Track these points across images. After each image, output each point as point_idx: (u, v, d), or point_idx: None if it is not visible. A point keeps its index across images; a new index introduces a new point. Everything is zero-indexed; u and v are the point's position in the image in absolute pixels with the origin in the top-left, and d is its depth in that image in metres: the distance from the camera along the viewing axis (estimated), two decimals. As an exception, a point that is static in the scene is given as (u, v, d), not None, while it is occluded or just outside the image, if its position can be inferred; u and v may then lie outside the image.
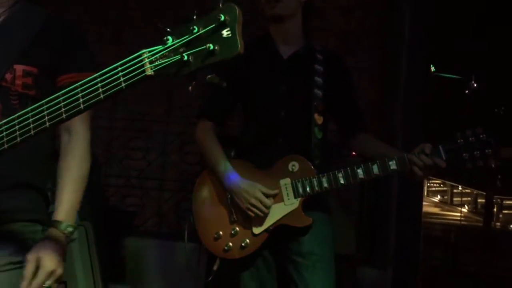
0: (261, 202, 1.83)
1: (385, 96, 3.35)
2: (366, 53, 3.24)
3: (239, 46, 0.92)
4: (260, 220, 1.86)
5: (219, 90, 1.95)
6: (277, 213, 1.85)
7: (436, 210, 12.91)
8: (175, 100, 3.30)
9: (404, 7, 3.20)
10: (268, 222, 1.85)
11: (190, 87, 0.97)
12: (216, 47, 0.91)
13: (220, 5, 0.92)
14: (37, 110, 1.03)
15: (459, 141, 1.72)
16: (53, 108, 1.02)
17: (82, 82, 0.99)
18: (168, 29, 0.94)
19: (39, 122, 1.03)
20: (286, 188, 1.86)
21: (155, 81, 0.97)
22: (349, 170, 1.80)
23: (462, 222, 9.78)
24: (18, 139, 1.05)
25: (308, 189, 1.84)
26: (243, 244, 1.86)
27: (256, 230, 1.86)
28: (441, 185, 13.96)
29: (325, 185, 1.82)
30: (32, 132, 1.04)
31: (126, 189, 3.27)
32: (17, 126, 1.05)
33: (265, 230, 1.86)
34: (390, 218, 3.10)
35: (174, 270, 3.02)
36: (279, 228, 1.85)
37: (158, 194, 3.28)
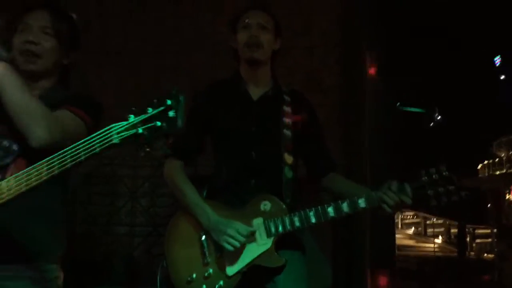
0: (238, 232, 1.81)
1: (350, 131, 3.42)
2: (330, 89, 3.33)
3: (179, 124, 1.28)
4: (233, 261, 1.83)
5: (187, 129, 1.97)
6: (250, 253, 1.83)
7: (411, 242, 13.01)
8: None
9: (365, 42, 3.33)
10: (242, 263, 1.83)
11: (142, 152, 1.32)
12: (163, 124, 1.28)
13: (172, 92, 1.28)
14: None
15: (423, 178, 1.79)
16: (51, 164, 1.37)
17: (70, 147, 1.36)
18: (133, 108, 1.30)
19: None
20: (259, 227, 1.85)
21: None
22: (320, 209, 1.82)
23: (437, 254, 9.87)
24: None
25: (280, 228, 1.83)
26: (217, 287, 1.82)
27: (230, 272, 1.83)
28: (415, 217, 14.15)
29: (297, 224, 1.83)
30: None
31: (95, 237, 3.19)
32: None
33: (239, 272, 1.83)
34: (365, 251, 3.11)
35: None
36: (253, 268, 1.83)
37: (128, 239, 3.21)
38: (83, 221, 3.22)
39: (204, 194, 2.00)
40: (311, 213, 1.82)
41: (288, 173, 1.97)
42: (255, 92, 2.04)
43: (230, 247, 1.81)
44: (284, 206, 1.87)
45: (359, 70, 3.50)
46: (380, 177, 3.25)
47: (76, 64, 1.80)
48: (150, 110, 1.28)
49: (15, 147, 1.54)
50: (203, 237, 1.88)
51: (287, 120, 2.02)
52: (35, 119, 1.46)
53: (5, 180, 1.39)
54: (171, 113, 1.27)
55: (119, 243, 3.21)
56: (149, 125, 1.27)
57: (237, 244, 1.81)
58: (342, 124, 3.35)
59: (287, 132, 2.00)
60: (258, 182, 1.94)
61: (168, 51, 3.36)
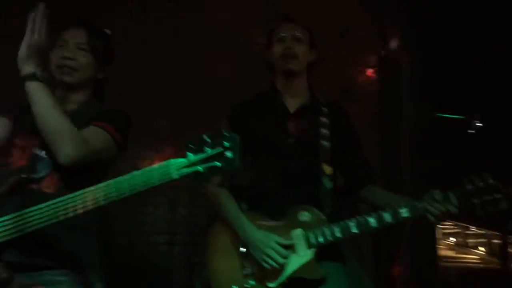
0: (276, 252, 1.82)
1: (388, 140, 3.37)
2: (367, 98, 3.30)
3: (237, 164, 1.35)
4: (275, 273, 1.83)
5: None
6: (291, 265, 1.83)
7: (450, 253, 12.62)
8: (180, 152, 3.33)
9: (401, 48, 3.29)
10: (283, 275, 1.83)
11: (201, 188, 1.36)
12: (222, 164, 1.35)
13: (225, 134, 1.36)
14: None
15: (468, 186, 1.76)
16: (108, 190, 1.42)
17: (128, 176, 1.40)
18: (191, 146, 1.37)
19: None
20: (298, 238, 1.85)
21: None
22: (361, 219, 1.81)
23: (479, 265, 9.53)
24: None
25: (320, 239, 1.83)
26: (257, 299, 1.83)
27: (271, 284, 1.83)
28: (455, 227, 13.73)
29: (338, 234, 1.82)
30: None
31: (137, 245, 3.25)
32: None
33: (280, 284, 1.83)
34: (406, 263, 3.05)
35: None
36: (294, 281, 1.83)
37: (169, 248, 3.26)
38: (125, 230, 3.29)
39: (243, 205, 2.02)
40: (352, 224, 1.82)
41: (327, 183, 1.97)
42: (292, 104, 2.06)
43: (268, 266, 1.82)
44: (323, 216, 1.87)
45: (396, 77, 3.46)
46: (420, 186, 3.19)
47: (110, 78, 1.86)
48: (208, 150, 1.35)
49: (51, 160, 1.60)
50: (243, 247, 1.90)
51: (324, 131, 2.03)
52: (62, 138, 1.54)
53: (61, 199, 1.43)
54: (229, 154, 1.34)
55: (160, 252, 3.27)
56: (209, 164, 1.35)
57: (275, 265, 1.82)
58: (380, 132, 3.32)
59: (325, 143, 2.01)
60: (297, 193, 1.95)
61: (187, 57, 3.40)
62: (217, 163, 1.34)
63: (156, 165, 1.38)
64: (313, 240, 1.84)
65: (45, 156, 1.62)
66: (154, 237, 3.29)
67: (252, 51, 3.19)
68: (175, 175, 1.36)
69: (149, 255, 3.28)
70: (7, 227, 1.46)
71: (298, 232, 1.86)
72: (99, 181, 1.68)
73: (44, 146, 1.59)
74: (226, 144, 1.35)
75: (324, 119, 2.04)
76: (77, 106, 1.76)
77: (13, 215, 1.46)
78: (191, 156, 1.36)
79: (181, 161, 1.36)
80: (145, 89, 3.35)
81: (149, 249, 3.28)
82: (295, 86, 2.07)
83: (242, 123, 2.04)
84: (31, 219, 1.44)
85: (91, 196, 1.41)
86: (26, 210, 1.45)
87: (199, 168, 1.34)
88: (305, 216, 1.88)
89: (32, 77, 1.54)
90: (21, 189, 1.57)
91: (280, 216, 1.91)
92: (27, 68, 1.54)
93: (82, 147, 1.56)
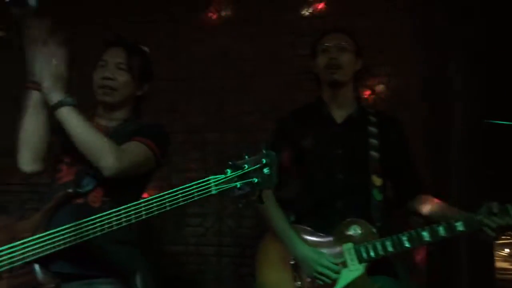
0: (328, 268, 1.80)
1: (438, 149, 3.27)
2: (416, 107, 3.22)
3: (274, 180, 1.41)
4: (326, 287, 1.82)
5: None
6: (342, 279, 1.81)
7: (505, 264, 12.06)
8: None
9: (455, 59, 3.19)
10: (335, 290, 1.81)
11: (240, 204, 1.43)
12: (259, 180, 1.40)
13: (264, 151, 1.42)
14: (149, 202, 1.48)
15: None
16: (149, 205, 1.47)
17: (169, 192, 1.44)
18: (230, 163, 1.42)
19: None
20: (349, 253, 1.83)
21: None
22: (414, 233, 1.77)
23: (537, 277, 9.04)
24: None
25: (372, 253, 1.80)
26: (308, 313, 1.82)
27: (322, 298, 1.82)
28: (509, 238, 13.10)
29: (390, 248, 1.78)
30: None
31: (185, 257, 3.30)
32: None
33: (331, 298, 1.81)
34: (461, 277, 2.93)
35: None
36: (346, 295, 1.81)
37: (217, 260, 3.28)
38: (175, 240, 3.34)
39: (291, 218, 2.01)
40: (405, 238, 1.78)
41: (377, 195, 1.93)
42: (339, 115, 2.04)
43: (322, 283, 1.81)
44: (374, 230, 1.84)
45: (444, 83, 3.35)
46: (471, 197, 3.07)
47: (149, 95, 1.93)
48: (246, 166, 1.41)
49: (95, 176, 1.68)
50: (293, 262, 1.89)
51: (373, 141, 1.99)
52: (103, 152, 1.61)
53: (105, 214, 1.50)
54: (266, 171, 1.40)
55: (208, 263, 3.30)
56: (247, 180, 1.40)
57: (328, 281, 1.80)
58: (428, 141, 3.22)
59: (374, 154, 1.98)
60: (346, 206, 1.92)
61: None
62: (255, 179, 1.39)
63: (196, 181, 1.42)
64: (364, 255, 1.81)
65: (89, 171, 1.69)
66: (202, 248, 3.32)
67: (297, 64, 3.20)
68: (213, 190, 1.40)
69: (198, 267, 3.31)
70: (57, 239, 1.53)
71: (348, 246, 1.83)
72: (139, 195, 1.79)
73: (87, 162, 1.65)
74: (264, 160, 1.40)
75: (372, 129, 2.01)
76: (118, 123, 1.84)
77: (63, 227, 1.53)
78: (229, 172, 1.40)
79: (220, 177, 1.40)
80: (196, 104, 3.42)
81: (198, 260, 3.32)
82: (342, 96, 2.05)
83: (289, 135, 2.04)
84: (79, 231, 1.51)
85: (133, 211, 1.46)
86: (75, 223, 1.52)
87: (237, 184, 1.39)
88: (355, 229, 1.85)
89: (61, 104, 1.62)
90: (68, 204, 1.65)
91: (329, 229, 1.89)
92: (55, 97, 1.63)
93: (123, 159, 1.63)
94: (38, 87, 1.68)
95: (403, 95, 3.16)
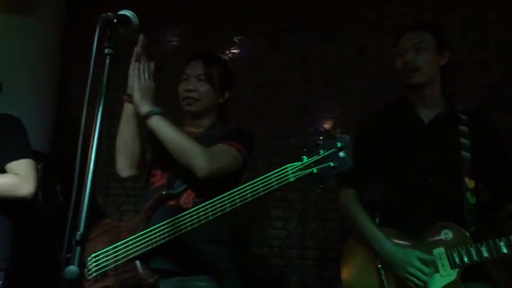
0: (419, 270, 1.75)
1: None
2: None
3: (350, 163, 1.40)
4: None
5: (359, 156, 1.98)
6: (433, 285, 1.74)
7: None
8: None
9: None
10: (425, 295, 1.75)
11: (318, 190, 1.50)
12: (335, 164, 1.41)
13: (338, 135, 1.42)
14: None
15: None
16: (232, 198, 1.55)
17: (249, 183, 1.51)
18: (305, 149, 1.44)
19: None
20: (440, 258, 1.76)
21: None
22: None
23: None
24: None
25: (465, 259, 1.72)
26: (397, 318, 1.77)
27: (412, 303, 1.76)
28: None
29: (485, 254, 1.69)
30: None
31: (269, 258, 3.35)
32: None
33: (421, 304, 1.75)
34: None
35: None
36: (437, 302, 1.74)
37: (300, 262, 3.30)
38: (261, 242, 3.41)
39: (377, 221, 1.97)
40: (502, 243, 1.68)
41: (471, 199, 1.83)
42: (426, 114, 1.96)
43: (412, 285, 1.76)
44: (468, 234, 1.75)
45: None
46: None
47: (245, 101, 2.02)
48: (321, 151, 1.41)
49: (186, 178, 1.79)
50: (380, 264, 1.85)
51: (465, 141, 1.89)
52: (194, 155, 1.71)
53: (195, 208, 1.60)
54: (341, 154, 1.40)
55: (292, 265, 3.32)
56: (323, 165, 1.41)
57: (420, 283, 1.74)
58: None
59: (466, 154, 1.87)
60: (436, 209, 1.84)
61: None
62: (331, 163, 1.39)
63: (274, 171, 1.46)
64: (457, 260, 1.73)
65: (181, 175, 1.80)
66: (286, 250, 3.35)
67: (383, 63, 3.13)
68: (291, 178, 1.43)
69: (282, 269, 3.35)
70: (153, 236, 1.66)
71: (440, 251, 1.76)
72: None
73: (179, 166, 1.75)
74: (338, 144, 1.40)
75: (463, 128, 1.90)
76: (204, 130, 1.97)
77: (158, 225, 1.66)
78: (305, 159, 1.42)
79: (296, 164, 1.43)
80: (279, 109, 3.47)
81: (282, 263, 3.35)
82: (426, 96, 1.96)
83: (372, 138, 1.99)
84: (172, 228, 1.63)
85: (218, 204, 1.54)
86: (168, 220, 1.64)
87: (314, 169, 1.41)
88: (447, 234, 1.77)
89: (150, 114, 1.75)
90: (162, 206, 1.77)
91: (418, 233, 1.83)
92: (144, 108, 1.76)
93: (213, 160, 1.72)
94: (130, 99, 1.84)
95: (499, 92, 2.96)
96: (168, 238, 1.63)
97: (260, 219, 3.40)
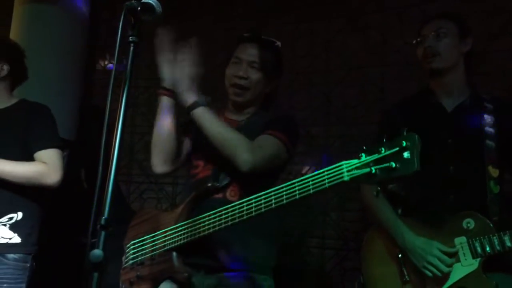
0: (440, 260, 1.74)
1: None
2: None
3: (416, 166, 1.18)
4: (436, 282, 1.75)
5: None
6: (455, 274, 1.73)
7: None
8: (332, 158, 3.36)
9: None
10: (446, 285, 1.74)
11: (375, 193, 1.35)
12: (397, 165, 1.19)
13: (404, 133, 1.21)
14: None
15: None
16: (279, 194, 1.40)
17: (298, 179, 1.36)
18: (364, 147, 1.25)
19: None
20: (462, 247, 1.74)
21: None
22: None
23: None
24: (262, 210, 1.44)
25: (488, 248, 1.70)
26: (417, 307, 1.77)
27: (431, 292, 1.75)
28: None
29: (508, 244, 1.67)
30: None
31: (289, 247, 3.36)
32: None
33: (442, 293, 1.74)
34: None
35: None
36: (458, 291, 1.72)
37: (320, 252, 3.30)
38: (282, 232, 3.42)
39: (399, 211, 1.96)
40: None
41: (495, 188, 1.81)
42: (449, 103, 1.94)
43: (431, 275, 1.75)
44: (491, 224, 1.73)
45: None
46: None
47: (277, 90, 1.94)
48: (383, 149, 1.22)
49: (231, 171, 1.71)
50: (400, 255, 1.85)
51: (489, 130, 1.87)
52: (239, 148, 1.65)
53: (238, 202, 1.50)
54: (406, 154, 1.19)
55: (312, 254, 3.32)
56: (384, 165, 1.21)
57: (439, 274, 1.73)
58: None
59: (491, 143, 1.85)
60: (458, 198, 1.82)
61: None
62: (393, 164, 1.19)
63: (327, 168, 1.30)
64: (479, 250, 1.71)
65: (226, 167, 1.72)
66: (306, 239, 3.36)
67: (407, 52, 3.09)
68: (346, 177, 1.26)
69: (302, 258, 3.36)
70: (193, 228, 1.59)
71: (462, 240, 1.75)
72: (273, 186, 1.77)
73: (223, 158, 1.70)
74: (404, 143, 1.20)
75: (488, 117, 1.88)
76: (247, 118, 1.88)
77: (198, 217, 1.58)
78: (363, 156, 1.25)
79: (353, 162, 1.26)
80: (301, 98, 3.45)
81: (301, 252, 3.36)
82: (449, 84, 1.94)
83: (395, 128, 1.97)
84: (213, 221, 1.53)
85: (263, 200, 1.42)
86: (210, 213, 1.55)
87: (372, 169, 1.22)
88: (469, 223, 1.76)
89: (196, 105, 1.70)
90: (207, 198, 1.71)
91: (440, 223, 1.81)
92: (190, 98, 1.71)
93: (257, 154, 1.66)
94: (168, 93, 1.80)
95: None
96: (208, 231, 1.54)
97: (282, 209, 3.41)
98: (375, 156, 1.23)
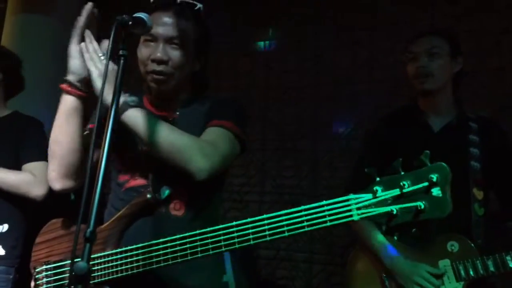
0: (427, 281, 1.73)
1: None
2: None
3: (450, 207, 0.98)
4: None
5: (367, 163, 1.96)
6: (438, 298, 1.73)
7: None
8: (320, 173, 3.36)
9: None
10: (429, 308, 1.74)
11: (395, 237, 1.14)
12: (425, 206, 0.97)
13: (429, 164, 0.99)
14: (242, 227, 1.12)
15: None
16: (258, 229, 1.11)
17: (287, 211, 1.07)
18: (378, 178, 1.01)
19: (244, 238, 1.12)
20: (446, 270, 1.74)
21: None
22: None
23: None
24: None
25: (471, 272, 1.70)
26: (399, 329, 1.77)
27: (416, 315, 1.75)
28: None
29: (491, 268, 1.68)
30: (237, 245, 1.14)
31: (276, 262, 3.34)
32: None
33: (426, 316, 1.74)
34: None
35: None
36: (441, 314, 1.72)
37: (308, 266, 3.29)
38: (267, 244, 3.40)
39: (384, 229, 1.95)
40: (509, 257, 1.66)
41: (479, 210, 1.82)
42: (436, 122, 1.94)
43: None
44: (474, 247, 1.74)
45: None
46: None
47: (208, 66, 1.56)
48: (406, 184, 0.99)
49: (174, 177, 1.37)
50: (384, 275, 1.84)
51: (474, 151, 1.87)
52: (190, 153, 1.31)
53: (211, 229, 1.18)
54: (435, 191, 0.98)
55: (299, 269, 3.31)
56: (407, 205, 0.98)
57: None
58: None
59: (476, 164, 1.85)
60: (443, 220, 1.82)
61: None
62: (420, 204, 0.97)
63: (329, 201, 1.05)
64: (463, 273, 1.72)
65: (166, 173, 1.38)
66: (293, 254, 3.34)
67: (396, 70, 3.10)
68: (356, 216, 1.02)
69: (289, 272, 3.34)
70: (133, 259, 1.24)
71: (446, 263, 1.75)
72: (221, 192, 1.53)
73: (161, 167, 1.36)
74: (433, 177, 0.98)
75: (473, 137, 1.89)
76: (180, 110, 1.50)
77: (140, 245, 1.24)
78: (379, 191, 1.01)
79: (364, 197, 1.02)
80: (288, 112, 3.45)
81: (288, 266, 3.34)
82: (438, 103, 1.94)
83: (382, 143, 1.97)
84: (159, 253, 1.20)
85: (235, 235, 1.14)
86: (153, 242, 1.21)
87: (393, 209, 0.98)
88: (453, 246, 1.76)
89: (126, 107, 1.33)
90: (145, 213, 1.35)
91: (424, 245, 1.81)
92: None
93: (214, 155, 1.34)
94: (75, 91, 1.40)
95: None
96: (165, 263, 1.19)
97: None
98: (396, 192, 0.99)
